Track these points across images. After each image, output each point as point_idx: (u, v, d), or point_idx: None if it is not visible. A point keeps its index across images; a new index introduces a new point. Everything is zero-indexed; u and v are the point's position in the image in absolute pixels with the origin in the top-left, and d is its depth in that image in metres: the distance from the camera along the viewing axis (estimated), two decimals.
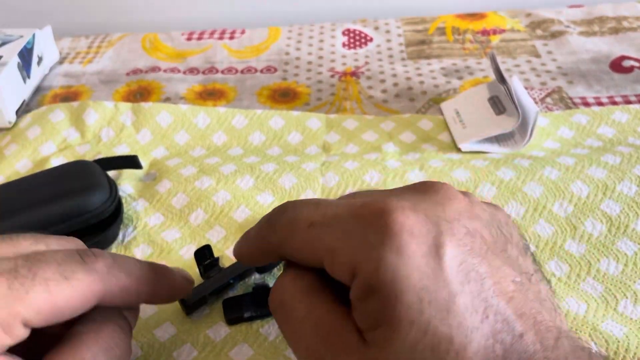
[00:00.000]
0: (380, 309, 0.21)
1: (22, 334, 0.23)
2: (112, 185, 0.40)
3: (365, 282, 0.21)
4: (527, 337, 0.21)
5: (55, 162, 0.47)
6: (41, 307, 0.23)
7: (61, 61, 0.62)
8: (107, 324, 0.26)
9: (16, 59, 0.53)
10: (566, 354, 0.21)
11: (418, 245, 0.21)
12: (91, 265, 0.25)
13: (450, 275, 0.21)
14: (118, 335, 0.26)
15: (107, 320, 0.26)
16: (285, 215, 0.25)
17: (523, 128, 0.45)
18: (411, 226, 0.21)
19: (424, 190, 0.24)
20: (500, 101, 0.48)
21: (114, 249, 0.39)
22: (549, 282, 0.24)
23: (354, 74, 0.57)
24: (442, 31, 0.63)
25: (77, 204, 0.37)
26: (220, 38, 0.64)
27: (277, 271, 0.37)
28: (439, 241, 0.21)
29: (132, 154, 0.47)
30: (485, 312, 0.20)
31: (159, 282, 0.28)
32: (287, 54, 0.61)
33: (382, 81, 0.56)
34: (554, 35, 0.60)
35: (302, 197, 0.41)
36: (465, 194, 0.25)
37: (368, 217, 0.22)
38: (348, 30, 0.65)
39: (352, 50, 0.61)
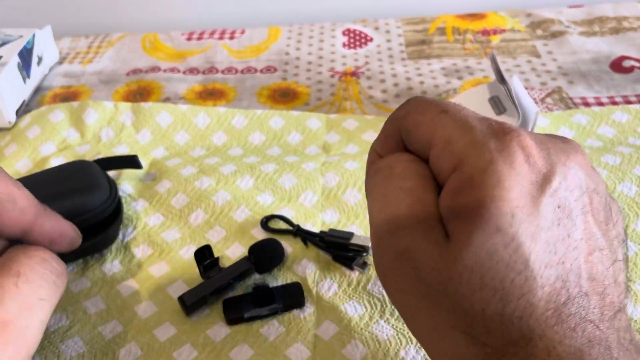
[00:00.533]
0: (471, 204, 0.22)
1: None
2: (112, 185, 0.40)
3: (468, 177, 0.22)
4: (592, 299, 0.22)
5: (55, 162, 0.47)
6: None
7: (61, 61, 0.62)
8: (36, 247, 0.28)
9: (16, 59, 0.53)
10: (619, 329, 0.22)
11: (529, 171, 0.22)
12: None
13: (544, 211, 0.22)
14: (47, 250, 0.28)
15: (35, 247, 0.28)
16: (423, 96, 0.26)
17: (523, 128, 0.45)
18: (531, 152, 0.22)
19: (556, 137, 0.25)
20: (501, 101, 0.48)
21: (114, 249, 0.39)
22: (629, 271, 0.25)
23: (354, 74, 0.57)
24: (442, 31, 0.63)
25: (77, 204, 0.37)
26: (220, 38, 0.64)
27: (277, 271, 0.37)
28: (549, 177, 0.22)
29: (132, 154, 0.47)
30: (563, 258, 0.22)
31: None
32: (287, 54, 0.61)
33: (382, 81, 0.56)
34: (554, 35, 0.60)
35: (302, 197, 0.42)
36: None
37: (497, 129, 0.23)
38: (348, 30, 0.65)
39: (352, 50, 0.61)
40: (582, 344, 0.21)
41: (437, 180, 0.24)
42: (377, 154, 0.27)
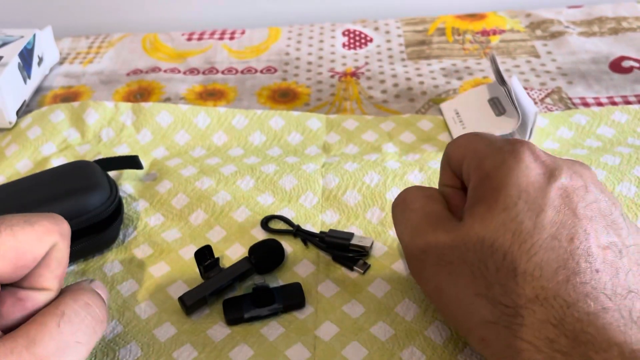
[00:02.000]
0: (486, 191, 0.27)
1: None
2: (113, 186, 0.40)
3: (484, 173, 0.27)
4: (602, 275, 0.24)
5: (56, 162, 0.47)
6: (6, 252, 0.25)
7: (61, 61, 0.63)
8: (83, 290, 0.28)
9: (17, 60, 0.53)
10: (632, 308, 0.23)
11: (537, 166, 0.27)
12: (57, 218, 0.28)
13: (551, 197, 0.26)
14: (95, 297, 0.28)
15: (81, 288, 0.28)
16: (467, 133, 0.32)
17: (522, 128, 0.45)
18: (539, 155, 0.27)
19: (568, 159, 0.29)
20: (500, 102, 0.48)
21: (115, 249, 0.39)
22: None
23: (354, 74, 0.57)
24: (441, 32, 0.63)
25: (77, 204, 0.37)
26: (221, 38, 0.64)
27: (277, 272, 0.37)
28: (555, 173, 0.26)
29: (133, 154, 0.47)
30: (570, 236, 0.25)
31: None
32: (287, 54, 0.61)
33: (382, 81, 0.56)
34: (554, 35, 0.60)
35: (302, 198, 0.42)
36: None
37: (512, 140, 0.28)
38: (348, 30, 0.65)
39: (352, 51, 0.61)
40: (596, 310, 0.23)
41: (467, 185, 0.30)
42: (449, 187, 0.32)
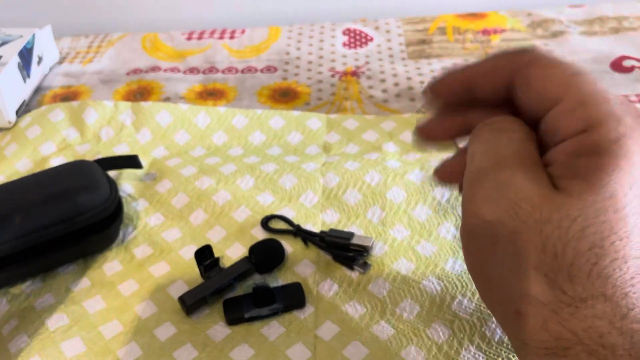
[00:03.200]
0: (593, 167, 0.23)
1: None
2: (112, 185, 0.40)
3: (595, 143, 0.23)
4: None
5: (55, 161, 0.47)
6: None
7: (61, 61, 0.62)
8: None
9: (16, 59, 0.53)
10: None
11: None
12: None
13: None
14: None
15: None
16: (546, 51, 0.26)
17: None
18: None
19: None
20: None
21: (115, 248, 0.39)
22: None
23: (355, 73, 0.57)
24: (442, 31, 0.63)
25: (77, 204, 0.37)
26: (221, 38, 0.64)
27: (277, 271, 0.37)
28: None
29: (132, 153, 0.47)
30: None
31: None
32: (288, 53, 0.61)
33: (383, 81, 0.56)
34: (555, 35, 0.60)
35: (303, 197, 0.41)
36: None
37: (633, 109, 0.24)
38: (348, 29, 0.65)
39: (353, 50, 0.61)
40: None
41: (546, 137, 0.25)
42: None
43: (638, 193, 0.23)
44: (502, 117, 0.26)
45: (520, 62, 0.26)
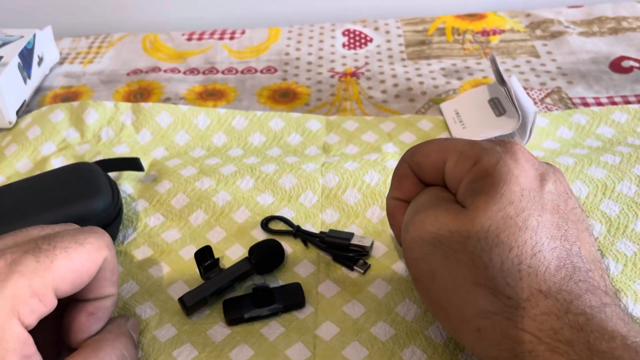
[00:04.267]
0: (487, 186, 0.27)
1: (53, 302, 0.27)
2: (114, 189, 0.40)
3: (483, 169, 0.28)
4: (595, 274, 0.26)
5: (55, 162, 0.47)
6: (66, 274, 0.27)
7: (61, 61, 0.63)
8: (121, 336, 0.30)
9: (17, 60, 0.53)
10: (625, 304, 0.26)
11: (531, 167, 0.28)
12: (100, 232, 0.30)
13: (546, 198, 0.27)
14: (130, 346, 0.30)
15: (120, 333, 0.30)
16: (423, 141, 0.32)
17: (522, 128, 0.45)
18: (529, 156, 0.28)
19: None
20: (501, 103, 0.48)
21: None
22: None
23: (354, 74, 0.57)
24: (441, 31, 0.63)
25: (81, 210, 0.37)
26: (221, 38, 0.64)
27: (277, 272, 0.37)
28: (545, 176, 0.28)
29: (132, 154, 0.47)
30: (565, 236, 0.26)
31: None
32: (287, 54, 0.61)
33: (382, 81, 0.56)
34: (554, 35, 0.60)
35: (302, 197, 0.42)
36: None
37: (499, 141, 0.30)
38: (348, 30, 0.65)
39: (352, 51, 0.61)
40: (597, 304, 0.24)
41: (451, 186, 0.30)
42: (399, 201, 0.33)
43: (530, 197, 0.26)
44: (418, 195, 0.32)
45: (407, 160, 0.32)
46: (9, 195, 0.38)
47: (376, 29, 0.65)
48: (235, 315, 0.34)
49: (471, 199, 0.27)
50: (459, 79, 0.55)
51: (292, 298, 0.34)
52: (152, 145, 0.48)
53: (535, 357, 0.24)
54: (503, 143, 0.29)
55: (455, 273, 0.26)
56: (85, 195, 0.38)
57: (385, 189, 0.41)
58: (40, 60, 0.58)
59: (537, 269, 0.25)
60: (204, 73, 0.59)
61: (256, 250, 0.37)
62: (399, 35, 0.63)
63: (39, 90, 0.58)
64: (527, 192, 0.27)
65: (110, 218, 0.38)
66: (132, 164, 0.44)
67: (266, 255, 0.36)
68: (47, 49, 0.60)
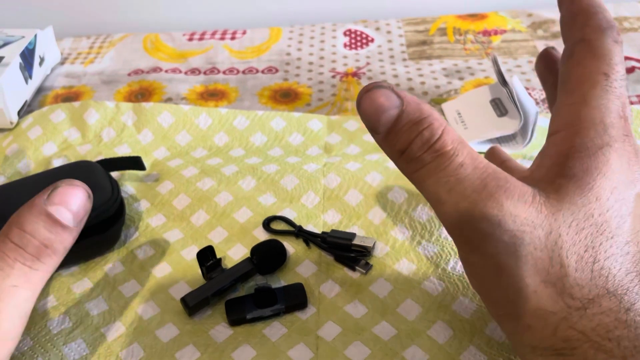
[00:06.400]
0: (578, 175, 0.25)
1: None
2: (115, 186, 0.40)
3: (579, 154, 0.25)
4: None
5: (57, 162, 0.47)
6: None
7: (63, 62, 0.63)
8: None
9: (18, 60, 0.53)
10: None
11: (629, 170, 0.25)
12: None
13: (635, 203, 0.25)
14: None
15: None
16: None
17: (524, 129, 0.45)
18: (631, 157, 0.26)
19: None
20: (502, 103, 0.48)
21: (116, 249, 0.39)
22: None
23: (355, 74, 0.57)
24: (443, 32, 0.63)
25: None
26: (222, 38, 0.64)
27: (279, 272, 0.37)
28: (636, 182, 0.25)
29: (134, 154, 0.47)
30: (637, 241, 0.25)
31: None
32: (288, 54, 0.61)
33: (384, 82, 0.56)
34: (555, 35, 0.60)
35: (304, 198, 0.42)
36: None
37: (622, 125, 0.26)
38: (349, 30, 0.65)
39: (354, 51, 0.61)
40: None
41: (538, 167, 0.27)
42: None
43: (617, 197, 0.25)
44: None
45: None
46: (8, 193, 0.38)
47: (377, 29, 0.65)
48: (237, 315, 0.34)
49: (555, 188, 0.25)
50: (461, 79, 0.55)
51: (295, 298, 0.34)
52: (153, 145, 0.48)
53: (576, 354, 0.23)
54: (622, 128, 0.26)
55: (526, 267, 0.24)
56: None
57: (387, 189, 0.41)
58: (42, 60, 0.58)
59: (611, 270, 0.24)
60: (205, 73, 0.59)
61: (258, 250, 0.37)
62: (400, 36, 0.63)
63: (40, 90, 0.58)
64: (616, 192, 0.25)
65: (108, 214, 0.38)
66: (134, 162, 0.44)
67: (268, 256, 0.36)
68: (49, 49, 0.60)
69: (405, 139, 0.25)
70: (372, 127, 0.26)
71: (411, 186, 0.41)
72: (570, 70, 0.28)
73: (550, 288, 0.24)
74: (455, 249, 0.37)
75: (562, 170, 0.25)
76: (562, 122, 0.27)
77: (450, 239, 0.38)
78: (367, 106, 0.25)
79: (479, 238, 0.25)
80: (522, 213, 0.24)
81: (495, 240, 0.24)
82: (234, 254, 0.38)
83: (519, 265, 0.24)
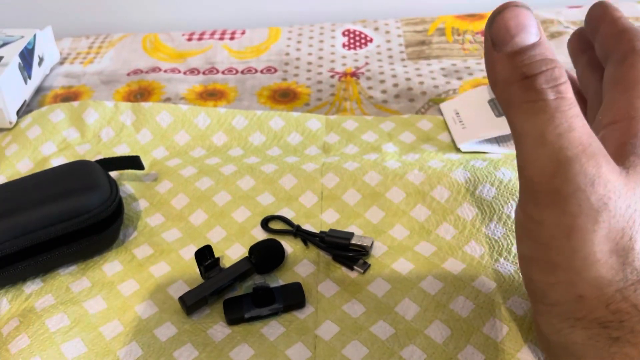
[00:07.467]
0: None
1: None
2: (113, 186, 0.40)
3: None
4: None
5: (56, 162, 0.47)
6: None
7: (62, 61, 0.63)
8: None
9: (17, 60, 0.53)
10: None
11: None
12: None
13: None
14: None
15: None
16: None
17: None
18: None
19: None
20: None
21: (115, 249, 0.39)
22: None
23: (354, 74, 0.57)
24: (441, 32, 0.63)
25: (77, 204, 0.37)
26: (221, 38, 0.64)
27: (278, 272, 0.37)
28: None
29: (133, 154, 0.47)
30: None
31: None
32: (287, 54, 0.61)
33: (382, 82, 0.56)
34: (554, 35, 0.60)
35: (302, 197, 0.42)
36: None
37: None
38: (348, 30, 0.65)
39: (352, 51, 0.61)
40: None
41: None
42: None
43: None
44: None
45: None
46: (7, 192, 0.38)
47: (376, 29, 0.65)
48: (235, 315, 0.34)
49: (633, 160, 0.25)
50: (459, 79, 0.55)
51: (293, 298, 0.34)
52: (152, 145, 0.48)
53: (624, 328, 0.24)
54: None
55: (598, 237, 0.24)
56: (81, 190, 0.38)
57: (385, 189, 0.41)
58: (41, 60, 0.58)
59: None
60: (204, 73, 0.59)
61: (256, 249, 0.37)
62: (399, 36, 0.63)
63: (39, 90, 0.58)
64: None
65: (107, 214, 0.38)
66: (133, 162, 0.44)
67: (266, 255, 0.36)
68: (48, 49, 0.60)
69: (535, 67, 0.24)
70: (504, 39, 0.25)
71: (409, 186, 0.41)
72: (625, 72, 0.28)
73: (615, 258, 0.24)
74: (453, 249, 0.37)
75: (634, 149, 0.25)
76: (621, 113, 0.27)
77: (447, 238, 0.38)
78: (509, 18, 0.24)
79: (568, 192, 0.24)
80: (614, 180, 0.24)
81: (583, 199, 0.24)
82: (232, 253, 0.38)
83: (595, 229, 0.24)
